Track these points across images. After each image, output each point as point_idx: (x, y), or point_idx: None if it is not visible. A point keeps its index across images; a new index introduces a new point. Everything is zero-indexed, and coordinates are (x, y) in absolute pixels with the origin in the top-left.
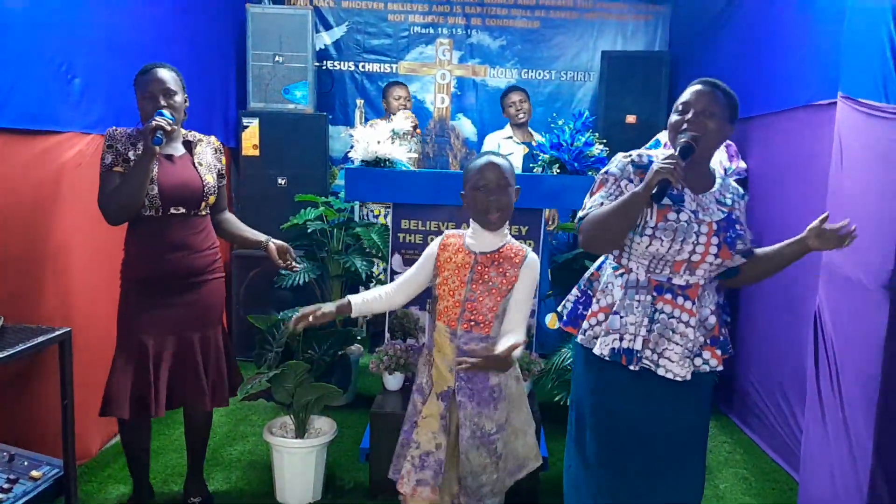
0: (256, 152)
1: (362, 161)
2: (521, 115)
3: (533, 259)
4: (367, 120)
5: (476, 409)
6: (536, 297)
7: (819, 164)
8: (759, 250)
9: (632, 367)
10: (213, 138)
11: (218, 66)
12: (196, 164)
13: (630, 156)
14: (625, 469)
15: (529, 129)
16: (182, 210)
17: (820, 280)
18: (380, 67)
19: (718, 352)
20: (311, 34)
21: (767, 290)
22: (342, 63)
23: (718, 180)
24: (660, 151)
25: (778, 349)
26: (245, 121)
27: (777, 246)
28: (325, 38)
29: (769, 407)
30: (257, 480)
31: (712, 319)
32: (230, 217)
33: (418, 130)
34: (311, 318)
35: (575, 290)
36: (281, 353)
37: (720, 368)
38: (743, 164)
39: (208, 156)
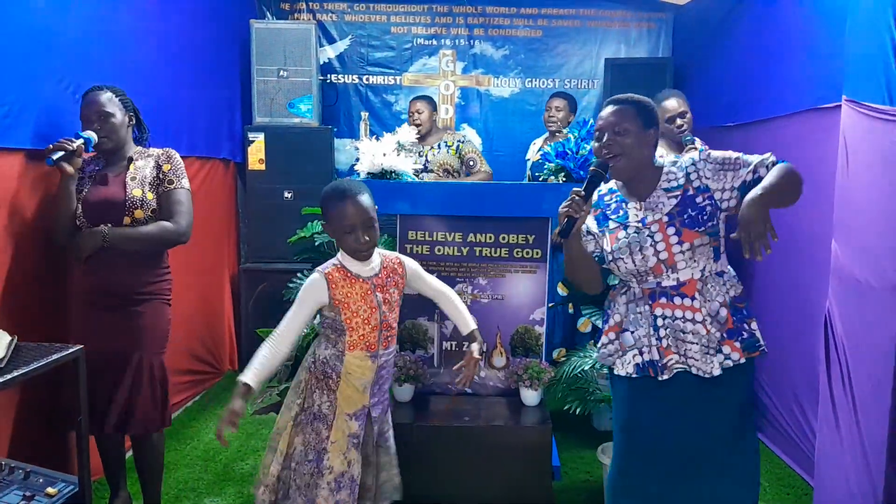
0: (262, 166)
1: (368, 173)
2: (552, 124)
3: (406, 258)
4: (371, 132)
5: (382, 416)
6: (545, 307)
7: (825, 168)
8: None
9: (660, 378)
10: (164, 151)
11: (223, 82)
12: (128, 180)
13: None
14: (666, 477)
15: (567, 133)
16: (110, 226)
17: (829, 283)
18: (384, 80)
19: (738, 344)
20: (314, 48)
21: (778, 294)
22: (346, 76)
23: (666, 167)
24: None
25: (789, 353)
26: (251, 135)
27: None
28: (329, 52)
29: (782, 412)
30: None
31: (723, 312)
32: (160, 223)
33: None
34: (231, 426)
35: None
36: (291, 367)
37: (743, 361)
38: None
39: (146, 170)
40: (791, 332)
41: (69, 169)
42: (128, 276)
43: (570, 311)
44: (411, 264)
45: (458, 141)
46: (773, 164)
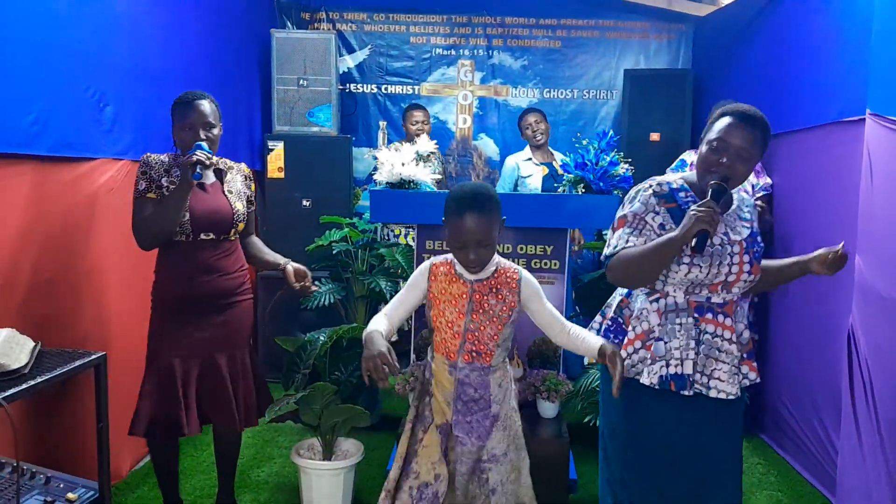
0: (281, 175)
1: (387, 183)
2: (538, 137)
3: (527, 276)
4: (389, 141)
5: (476, 443)
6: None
7: (848, 181)
8: (765, 263)
9: (685, 393)
10: (243, 165)
11: (243, 91)
12: (226, 192)
13: (651, 187)
14: (663, 490)
15: (550, 148)
16: (212, 235)
17: (853, 299)
18: (402, 89)
19: (755, 364)
20: (334, 58)
21: (799, 309)
22: (365, 86)
23: (736, 196)
24: (677, 176)
25: (811, 368)
26: (270, 144)
27: (779, 263)
28: (349, 62)
29: (803, 427)
30: (285, 502)
31: (746, 334)
32: (255, 240)
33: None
34: (388, 369)
35: (599, 318)
36: (308, 375)
37: (758, 380)
38: (769, 180)
39: (238, 183)
40: (813, 347)
41: (205, 178)
42: (226, 278)
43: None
44: (532, 282)
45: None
46: None
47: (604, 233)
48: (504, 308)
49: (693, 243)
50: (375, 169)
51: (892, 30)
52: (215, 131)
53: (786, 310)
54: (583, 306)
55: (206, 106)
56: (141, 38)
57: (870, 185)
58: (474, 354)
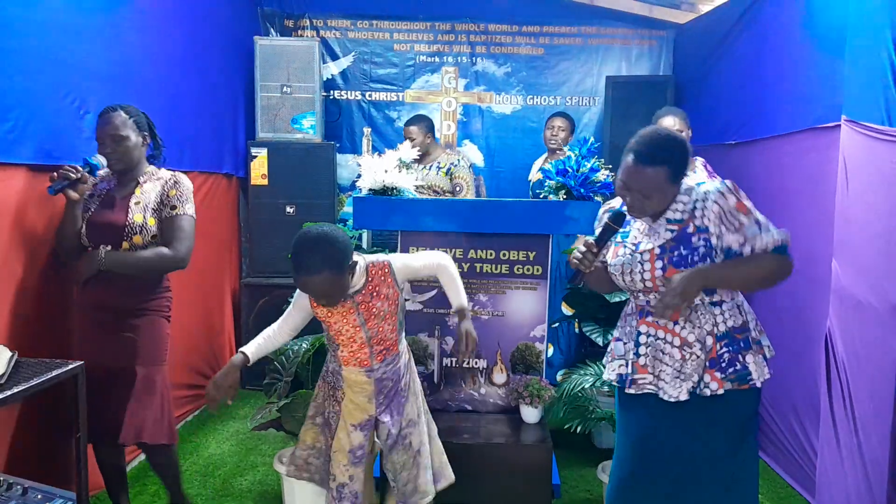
0: (265, 182)
1: (370, 189)
2: (553, 143)
3: (395, 262)
4: (374, 148)
5: (396, 418)
6: (546, 323)
7: (825, 187)
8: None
9: (628, 391)
10: (173, 175)
11: (227, 98)
12: (132, 204)
13: (607, 204)
14: (654, 487)
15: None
16: (109, 247)
17: (830, 303)
18: (386, 96)
19: (718, 374)
20: (318, 65)
21: (778, 313)
22: (349, 92)
23: (679, 197)
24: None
25: (790, 372)
26: (254, 151)
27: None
28: (333, 69)
29: (783, 430)
30: None
31: (709, 341)
32: (157, 250)
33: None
34: (226, 394)
35: None
36: (290, 383)
37: (721, 392)
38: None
39: (151, 194)
40: (792, 351)
41: (73, 195)
42: (125, 293)
43: (577, 329)
44: (397, 262)
45: (452, 164)
46: (768, 249)
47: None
48: (389, 303)
49: (577, 280)
50: (359, 176)
51: (866, 38)
52: (127, 143)
53: (765, 314)
54: (575, 308)
55: (116, 117)
56: (122, 46)
57: (845, 191)
58: (384, 352)
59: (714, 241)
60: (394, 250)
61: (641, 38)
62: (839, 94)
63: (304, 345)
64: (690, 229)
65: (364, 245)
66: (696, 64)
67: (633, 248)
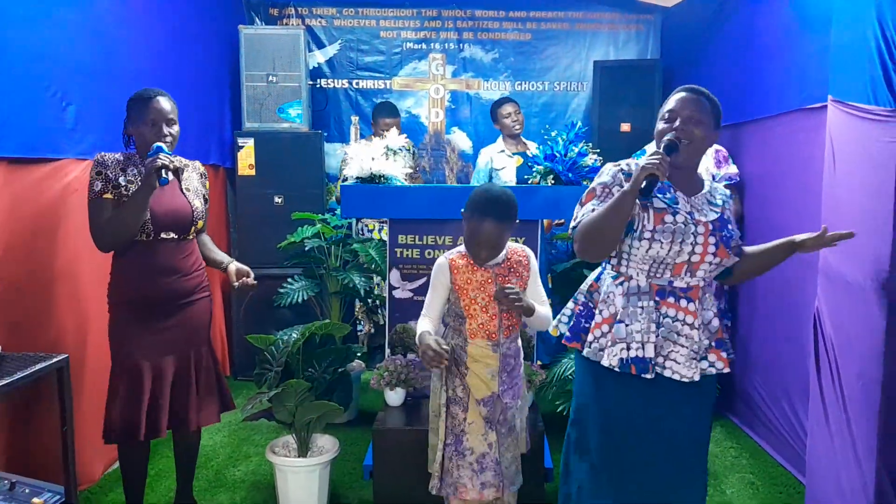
0: (252, 172)
1: (357, 178)
2: (517, 127)
3: (532, 255)
4: (362, 136)
5: (515, 400)
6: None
7: (813, 167)
8: (747, 249)
9: (646, 376)
10: (197, 163)
11: (212, 88)
12: (184, 190)
13: (619, 165)
14: (630, 469)
15: (523, 138)
16: (173, 235)
17: (818, 282)
18: (374, 84)
19: (724, 354)
20: (303, 53)
21: (768, 294)
22: (336, 81)
23: (707, 184)
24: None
25: (780, 352)
26: (240, 141)
27: (764, 247)
28: (319, 57)
29: (774, 411)
30: (261, 501)
31: (715, 322)
32: (205, 239)
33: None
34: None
35: (571, 304)
36: (281, 373)
37: (727, 371)
38: (734, 169)
39: (195, 181)
40: (782, 331)
41: (169, 178)
42: (184, 278)
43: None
44: (534, 261)
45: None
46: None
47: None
48: (521, 283)
49: (643, 186)
50: (346, 164)
51: (851, 18)
52: (175, 128)
53: (755, 294)
54: (558, 296)
55: (168, 103)
56: (104, 37)
57: (832, 171)
58: (510, 328)
59: (735, 231)
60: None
61: (629, 23)
62: (826, 74)
63: (295, 334)
64: (725, 216)
65: (353, 234)
66: (684, 47)
67: (688, 217)
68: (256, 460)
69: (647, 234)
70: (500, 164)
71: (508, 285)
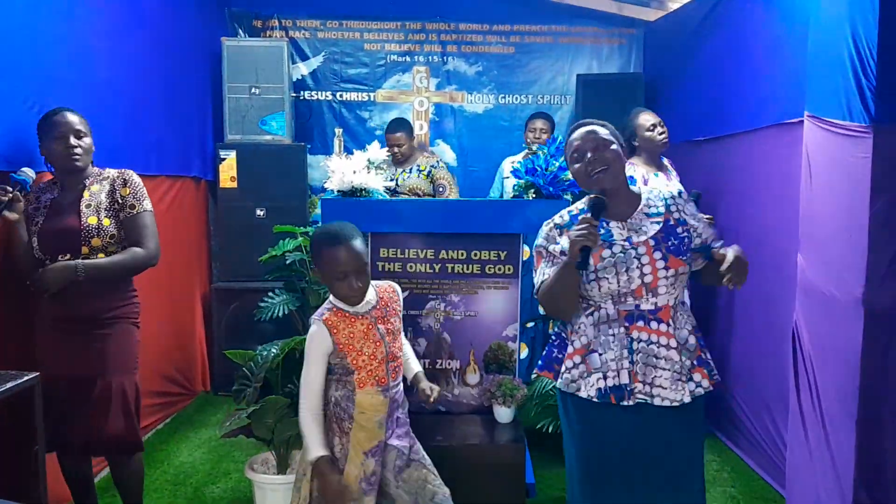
0: (234, 184)
1: (338, 191)
2: (534, 144)
3: (395, 286)
4: (346, 149)
5: (405, 440)
6: (518, 322)
7: (790, 181)
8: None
9: (625, 403)
10: (120, 173)
11: (194, 100)
12: (82, 208)
13: (552, 222)
14: (622, 495)
15: None
16: (69, 256)
17: (796, 296)
18: (357, 96)
19: (707, 371)
20: (287, 65)
21: (747, 307)
22: (320, 93)
23: (645, 194)
24: (581, 203)
25: (760, 366)
26: (222, 153)
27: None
28: (302, 69)
29: (755, 424)
30: None
31: (692, 340)
32: (131, 250)
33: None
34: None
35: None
36: (260, 389)
37: (711, 389)
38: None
39: (101, 195)
40: (761, 345)
41: (12, 216)
42: (93, 300)
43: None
44: (400, 290)
45: (431, 166)
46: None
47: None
48: (398, 320)
49: (578, 261)
50: (328, 178)
51: (827, 35)
52: (86, 140)
53: (734, 308)
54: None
55: (74, 116)
56: (84, 49)
57: (809, 186)
58: (397, 369)
59: (694, 232)
60: None
61: (611, 37)
62: (803, 90)
63: (274, 350)
64: (672, 222)
65: None
66: (666, 61)
67: (625, 243)
68: (236, 477)
69: (593, 276)
70: (508, 173)
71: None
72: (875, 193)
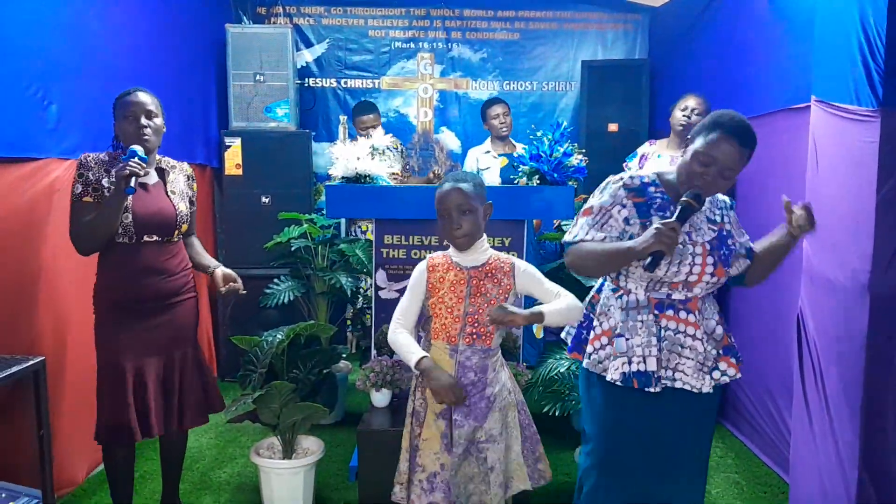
0: (239, 171)
1: (343, 178)
2: (504, 129)
3: (521, 264)
4: (350, 135)
5: (472, 424)
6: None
7: (797, 167)
8: (758, 249)
9: (650, 390)
10: (185, 165)
11: (198, 87)
12: (169, 193)
13: (622, 179)
14: (632, 474)
15: (511, 140)
16: (156, 237)
17: (802, 282)
18: (362, 83)
19: (733, 360)
20: (291, 52)
21: (753, 295)
22: (324, 80)
23: (708, 199)
24: (651, 170)
25: (765, 353)
26: (227, 140)
27: (766, 241)
28: (307, 56)
29: (759, 411)
30: (246, 503)
31: (719, 330)
32: (194, 241)
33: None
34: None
35: None
36: (265, 374)
37: (739, 376)
38: None
39: (181, 183)
40: (766, 331)
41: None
42: (168, 278)
43: None
44: (524, 266)
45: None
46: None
47: (563, 224)
48: (500, 291)
49: (647, 261)
50: (332, 165)
51: (834, 18)
52: (157, 120)
53: (740, 295)
54: None
55: (146, 96)
56: (87, 34)
57: (816, 171)
58: (474, 337)
59: (734, 244)
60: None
61: (616, 22)
62: (810, 75)
63: (280, 336)
64: (724, 232)
65: (342, 234)
66: (671, 47)
67: (686, 237)
68: (242, 462)
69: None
70: (484, 164)
71: (501, 306)
72: (882, 178)
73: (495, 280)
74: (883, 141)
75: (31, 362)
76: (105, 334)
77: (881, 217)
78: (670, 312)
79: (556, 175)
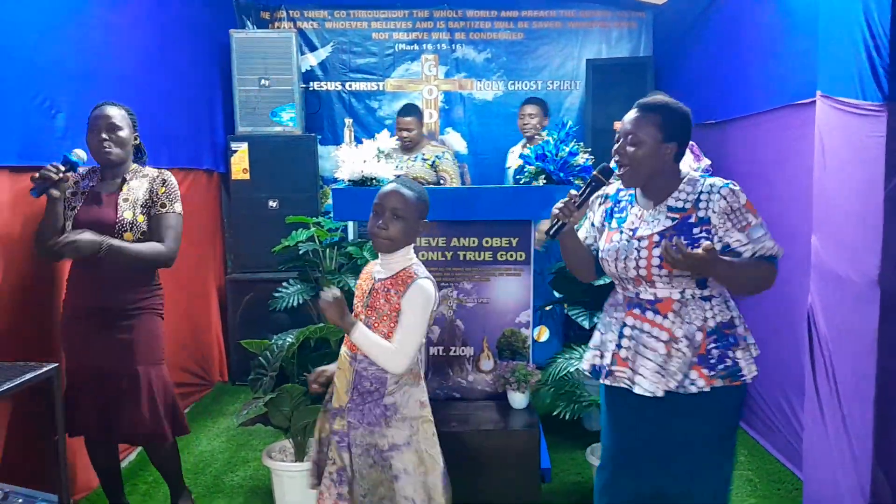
0: (246, 176)
1: (349, 181)
2: (527, 130)
3: (419, 285)
4: (356, 139)
5: (367, 429)
6: (531, 309)
7: (802, 163)
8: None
9: (601, 381)
10: (159, 172)
11: (204, 93)
12: (120, 201)
13: (606, 188)
14: (640, 470)
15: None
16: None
17: (811, 278)
18: (367, 86)
19: (706, 371)
20: (295, 56)
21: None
22: (329, 83)
23: (681, 186)
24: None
25: (776, 349)
26: (233, 145)
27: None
28: (311, 60)
29: (771, 408)
30: None
31: (699, 336)
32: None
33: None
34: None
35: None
36: (276, 377)
37: (707, 389)
38: (706, 161)
39: (139, 191)
40: (776, 328)
41: (55, 194)
42: (119, 291)
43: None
44: (415, 293)
45: (436, 156)
46: (764, 258)
47: None
48: (390, 308)
49: (554, 230)
50: (338, 168)
51: (839, 13)
52: (121, 133)
53: None
54: (561, 291)
55: (112, 110)
56: (92, 43)
57: (822, 166)
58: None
59: (714, 231)
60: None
61: (620, 20)
62: (815, 70)
63: (290, 339)
64: (692, 219)
65: (350, 237)
66: (675, 44)
67: (630, 233)
68: (254, 465)
69: (601, 255)
70: (510, 162)
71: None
72: (890, 173)
73: (388, 296)
74: (889, 135)
75: (45, 369)
76: (63, 338)
77: (889, 211)
78: (637, 311)
79: (562, 174)
